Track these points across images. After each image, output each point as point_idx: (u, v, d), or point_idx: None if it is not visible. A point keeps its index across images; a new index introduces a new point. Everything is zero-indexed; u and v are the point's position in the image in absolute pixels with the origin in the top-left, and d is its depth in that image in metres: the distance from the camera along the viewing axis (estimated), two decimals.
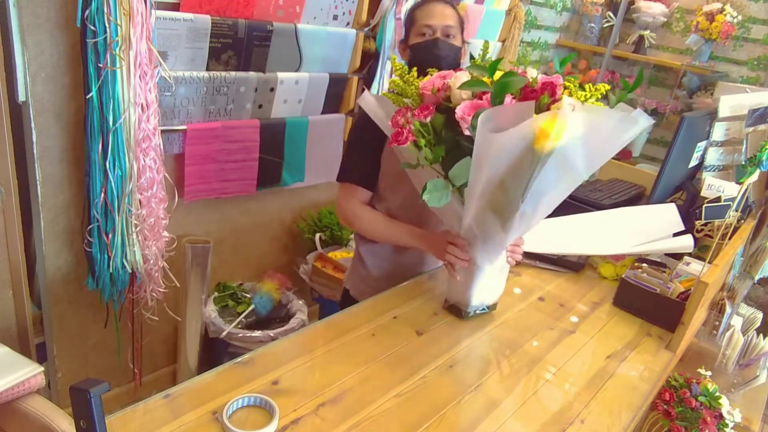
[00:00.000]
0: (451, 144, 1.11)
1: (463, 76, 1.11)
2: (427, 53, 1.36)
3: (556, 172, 1.03)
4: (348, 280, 1.63)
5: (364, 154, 1.41)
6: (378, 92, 2.18)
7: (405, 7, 2.07)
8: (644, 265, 1.59)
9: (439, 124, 1.11)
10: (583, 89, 1.09)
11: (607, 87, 1.11)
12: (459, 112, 1.06)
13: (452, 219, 1.25)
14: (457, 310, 1.34)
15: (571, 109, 1.02)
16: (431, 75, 1.19)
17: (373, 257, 1.54)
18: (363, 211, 1.44)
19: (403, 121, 1.12)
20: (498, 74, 1.06)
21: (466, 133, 1.06)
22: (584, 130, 0.99)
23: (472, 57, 1.26)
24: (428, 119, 1.10)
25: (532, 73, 1.11)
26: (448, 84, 1.14)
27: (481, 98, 1.07)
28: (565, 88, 1.08)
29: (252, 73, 1.85)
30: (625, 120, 1.02)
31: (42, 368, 1.29)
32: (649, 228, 1.49)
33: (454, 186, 1.12)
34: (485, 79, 1.07)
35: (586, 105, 1.05)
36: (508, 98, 1.04)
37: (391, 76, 2.19)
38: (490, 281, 1.30)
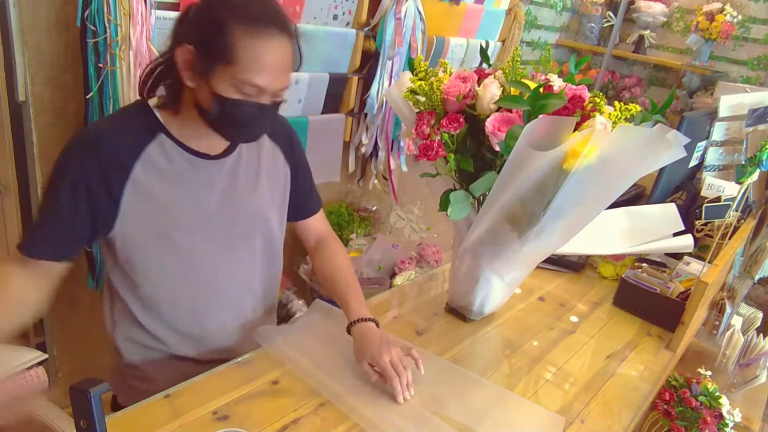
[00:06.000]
0: (472, 153, 1.09)
1: (492, 86, 1.08)
2: (241, 118, 0.92)
3: (581, 188, 1.01)
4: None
5: (61, 211, 0.95)
6: (378, 92, 2.18)
7: (404, 7, 2.07)
8: (644, 264, 1.59)
9: (463, 133, 1.09)
10: (613, 107, 1.08)
11: (638, 108, 1.09)
12: (489, 126, 1.03)
13: (459, 227, 1.23)
14: (459, 313, 1.34)
15: (603, 129, 1.02)
16: (448, 74, 1.17)
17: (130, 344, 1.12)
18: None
19: (430, 132, 1.09)
20: (531, 85, 1.03)
21: (496, 148, 1.04)
22: (615, 152, 0.97)
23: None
24: (457, 132, 1.08)
25: (557, 81, 1.10)
26: (475, 92, 1.10)
27: (511, 111, 1.05)
28: (592, 103, 1.06)
29: None
30: (658, 142, 0.98)
31: (45, 355, 1.29)
32: (649, 228, 1.49)
33: (473, 197, 1.09)
34: (519, 92, 1.04)
35: (619, 125, 1.02)
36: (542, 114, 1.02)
37: (391, 76, 2.19)
38: (493, 292, 1.28)
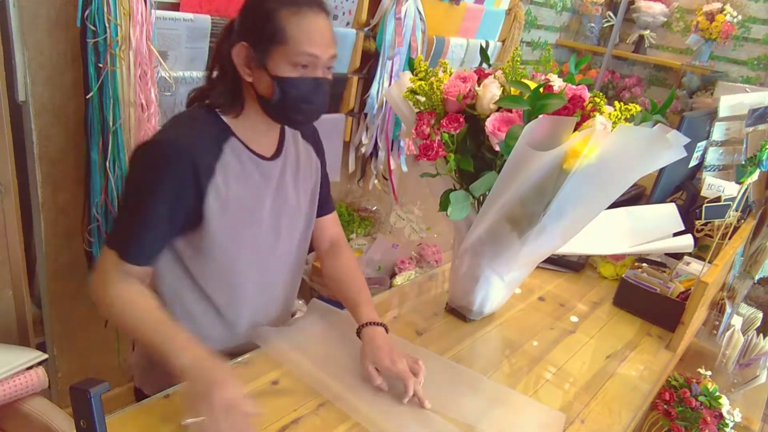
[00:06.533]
0: (472, 153, 1.10)
1: (492, 86, 1.08)
2: (301, 95, 0.99)
3: (581, 188, 1.01)
4: (138, 371, 1.19)
5: (159, 217, 0.97)
6: (378, 92, 2.18)
7: (404, 7, 2.07)
8: (644, 264, 1.59)
9: (463, 133, 1.09)
10: (613, 107, 1.08)
11: (638, 108, 1.09)
12: (489, 126, 1.04)
13: (459, 227, 1.23)
14: (459, 313, 1.34)
15: (603, 129, 1.02)
16: (448, 74, 1.17)
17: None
18: (123, 297, 0.95)
19: (430, 132, 1.09)
20: (531, 85, 1.03)
21: (496, 148, 1.04)
22: (615, 152, 0.97)
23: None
24: (457, 132, 1.08)
25: (557, 81, 1.10)
26: (475, 92, 1.11)
27: (510, 111, 1.05)
28: (592, 103, 1.06)
29: None
30: (658, 142, 0.98)
31: (45, 355, 1.29)
32: (649, 228, 1.49)
33: (473, 197, 1.09)
34: (519, 92, 1.04)
35: (619, 125, 1.03)
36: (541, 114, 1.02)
37: (391, 76, 2.19)
38: (493, 292, 1.28)
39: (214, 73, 1.05)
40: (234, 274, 1.09)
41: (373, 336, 1.07)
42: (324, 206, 1.26)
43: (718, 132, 1.94)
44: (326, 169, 1.27)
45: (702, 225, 1.74)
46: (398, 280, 2.25)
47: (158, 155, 0.96)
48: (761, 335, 1.73)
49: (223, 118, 1.03)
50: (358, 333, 1.10)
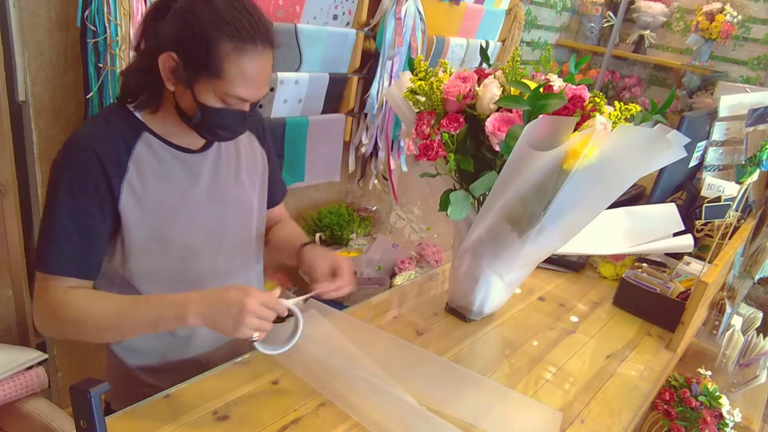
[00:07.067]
0: (472, 153, 1.10)
1: (492, 86, 1.08)
2: (222, 124, 0.95)
3: (581, 188, 1.01)
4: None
5: (77, 221, 0.92)
6: (378, 92, 2.18)
7: (404, 7, 2.07)
8: (644, 264, 1.59)
9: (463, 133, 1.09)
10: (613, 107, 1.08)
11: (638, 108, 1.09)
12: (489, 126, 1.03)
13: (459, 227, 1.23)
14: (459, 313, 1.34)
15: (603, 129, 1.02)
16: (448, 73, 1.17)
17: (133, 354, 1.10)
18: (70, 297, 0.92)
19: (430, 132, 1.09)
20: (531, 85, 1.03)
21: (496, 148, 1.04)
22: (615, 152, 0.97)
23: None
24: (457, 132, 1.08)
25: (557, 81, 1.10)
26: (475, 92, 1.11)
27: (510, 111, 1.05)
28: (592, 103, 1.06)
29: None
30: (658, 142, 0.98)
31: (45, 355, 1.29)
32: (649, 228, 1.49)
33: (473, 197, 1.09)
34: (519, 92, 1.04)
35: (619, 125, 1.02)
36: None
37: (391, 76, 2.19)
38: (493, 292, 1.28)
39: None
40: (173, 276, 1.04)
41: (312, 247, 1.13)
42: (273, 196, 1.24)
43: (718, 132, 1.94)
44: (273, 158, 1.22)
45: (702, 225, 1.74)
46: (398, 280, 2.25)
47: (62, 160, 0.92)
48: (761, 335, 1.73)
49: (137, 114, 0.98)
50: (299, 253, 1.13)
